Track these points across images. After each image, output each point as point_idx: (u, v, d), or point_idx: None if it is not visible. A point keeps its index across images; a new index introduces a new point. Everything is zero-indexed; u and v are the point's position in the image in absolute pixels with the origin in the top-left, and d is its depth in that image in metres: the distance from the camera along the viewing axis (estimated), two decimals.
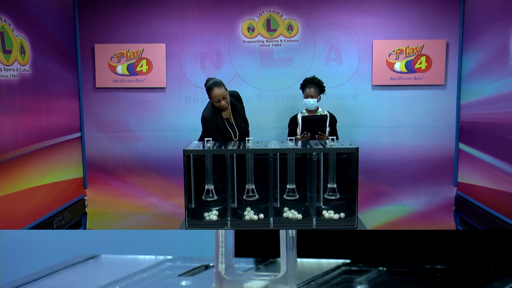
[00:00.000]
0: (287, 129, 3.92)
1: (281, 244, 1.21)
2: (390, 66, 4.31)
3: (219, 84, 3.25)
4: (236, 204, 2.87)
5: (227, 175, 2.77)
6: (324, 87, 3.76)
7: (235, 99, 3.48)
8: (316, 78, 3.75)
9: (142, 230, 3.98)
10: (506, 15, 3.53)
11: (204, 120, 3.33)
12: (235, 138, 3.36)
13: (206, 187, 2.78)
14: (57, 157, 4.03)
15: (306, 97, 3.70)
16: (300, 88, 3.81)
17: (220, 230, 1.19)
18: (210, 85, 3.25)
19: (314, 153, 2.77)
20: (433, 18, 4.26)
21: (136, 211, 4.51)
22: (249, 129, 3.57)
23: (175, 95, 4.44)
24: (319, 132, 3.55)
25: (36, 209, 3.63)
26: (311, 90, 3.68)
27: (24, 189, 3.50)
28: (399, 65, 4.30)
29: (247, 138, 2.88)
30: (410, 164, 4.44)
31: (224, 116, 3.37)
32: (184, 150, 2.75)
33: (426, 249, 1.78)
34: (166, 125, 4.48)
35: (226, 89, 3.28)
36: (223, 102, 3.24)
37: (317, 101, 3.71)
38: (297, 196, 2.84)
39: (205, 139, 2.90)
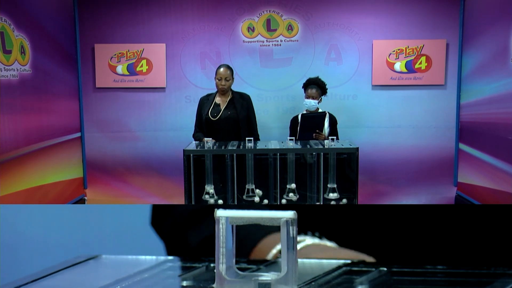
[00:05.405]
0: (288, 129, 3.91)
1: (281, 244, 1.21)
2: (390, 66, 4.31)
3: (228, 66, 3.51)
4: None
5: (227, 175, 2.77)
6: (327, 89, 3.75)
7: (240, 96, 3.53)
8: (320, 79, 3.73)
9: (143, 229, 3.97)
10: (506, 15, 3.54)
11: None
12: (213, 118, 3.45)
13: (206, 187, 2.78)
14: (57, 157, 4.03)
15: (307, 97, 3.69)
16: (303, 87, 3.80)
17: (221, 230, 1.19)
18: (220, 65, 3.54)
19: (314, 153, 2.77)
20: (433, 18, 4.26)
21: None
22: None
23: (175, 95, 4.44)
24: (317, 130, 3.54)
25: None
26: (313, 91, 3.67)
27: (24, 189, 3.50)
28: (399, 65, 4.30)
29: (247, 138, 2.89)
30: (410, 164, 4.44)
31: (217, 101, 3.50)
32: (184, 150, 2.76)
33: (426, 249, 1.78)
34: (166, 125, 4.48)
35: (232, 75, 3.48)
36: (223, 82, 3.43)
37: (318, 103, 3.70)
38: (297, 196, 2.84)
39: (205, 139, 2.93)
